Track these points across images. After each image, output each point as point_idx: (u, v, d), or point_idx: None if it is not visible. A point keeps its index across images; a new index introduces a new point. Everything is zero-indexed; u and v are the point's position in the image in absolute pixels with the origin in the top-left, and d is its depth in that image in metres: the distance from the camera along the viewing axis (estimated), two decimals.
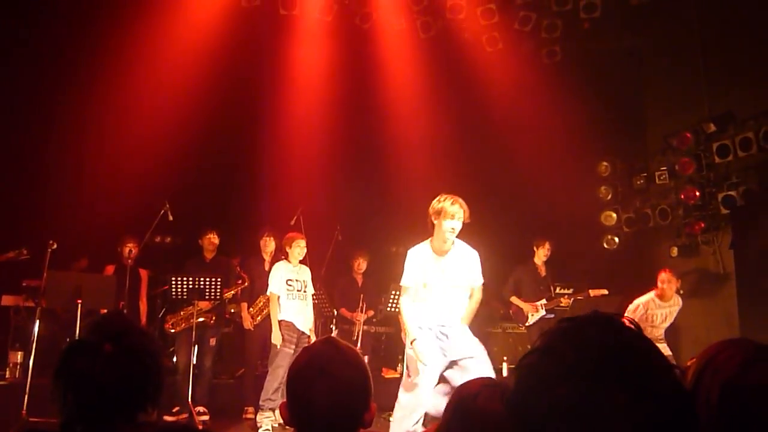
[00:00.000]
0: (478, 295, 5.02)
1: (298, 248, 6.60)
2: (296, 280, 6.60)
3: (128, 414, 1.57)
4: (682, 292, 7.18)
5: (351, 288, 8.48)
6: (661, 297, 6.97)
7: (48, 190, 8.21)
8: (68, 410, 1.56)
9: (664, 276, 6.93)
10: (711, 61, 8.41)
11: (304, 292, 6.70)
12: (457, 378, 4.59)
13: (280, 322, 6.44)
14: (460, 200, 4.75)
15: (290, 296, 6.54)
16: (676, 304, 7.05)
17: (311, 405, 1.62)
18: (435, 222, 4.74)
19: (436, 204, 4.73)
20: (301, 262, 6.77)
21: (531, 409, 0.82)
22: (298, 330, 6.50)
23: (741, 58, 7.89)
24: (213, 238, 7.19)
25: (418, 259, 4.86)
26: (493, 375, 4.61)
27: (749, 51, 7.76)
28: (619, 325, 0.87)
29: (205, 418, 6.81)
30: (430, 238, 4.89)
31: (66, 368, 1.58)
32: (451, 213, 4.66)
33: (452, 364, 4.76)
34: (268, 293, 6.59)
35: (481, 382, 1.80)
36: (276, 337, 6.38)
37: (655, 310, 7.00)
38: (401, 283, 4.94)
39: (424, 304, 4.84)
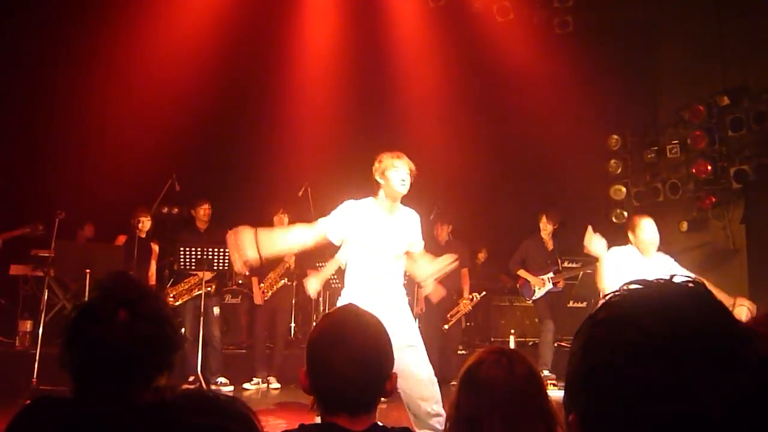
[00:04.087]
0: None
1: None
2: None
3: (145, 380, 1.54)
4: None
5: None
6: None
7: (54, 159, 8.18)
8: (82, 378, 1.53)
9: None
10: (726, 33, 8.25)
11: None
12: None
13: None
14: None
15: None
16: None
17: (331, 373, 1.59)
18: (382, 180, 4.21)
19: (377, 164, 4.24)
20: None
21: (613, 389, 0.75)
22: None
23: (757, 30, 7.74)
24: (207, 209, 7.16)
25: (359, 212, 4.26)
26: (427, 370, 4.27)
27: (765, 22, 7.60)
28: (699, 291, 0.81)
29: (229, 389, 6.84)
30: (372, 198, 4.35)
31: (79, 336, 1.54)
32: (398, 163, 4.18)
33: None
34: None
35: (486, 350, 1.79)
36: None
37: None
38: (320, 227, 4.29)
39: (362, 272, 4.28)
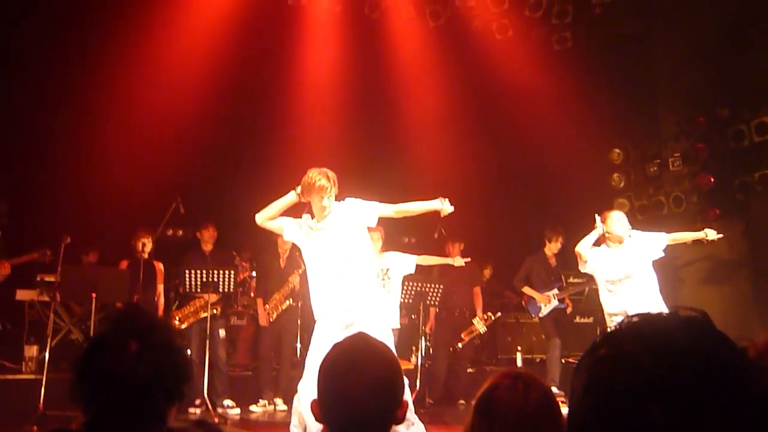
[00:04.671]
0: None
1: (372, 241, 6.44)
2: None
3: (157, 411, 1.54)
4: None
5: None
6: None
7: (58, 184, 8.22)
8: (94, 410, 1.53)
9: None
10: (725, 44, 8.29)
11: (383, 279, 6.60)
12: None
13: None
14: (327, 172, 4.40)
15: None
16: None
17: (343, 402, 1.59)
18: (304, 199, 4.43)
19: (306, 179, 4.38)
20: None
21: (616, 429, 0.75)
22: None
23: (756, 42, 7.78)
24: (212, 231, 7.18)
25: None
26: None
27: (764, 34, 7.64)
28: (705, 326, 0.80)
29: (236, 411, 6.83)
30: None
31: (91, 369, 1.54)
32: (319, 187, 4.31)
33: None
34: None
35: (501, 374, 1.79)
36: None
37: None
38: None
39: (321, 289, 4.35)
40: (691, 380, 0.73)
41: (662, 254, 5.73)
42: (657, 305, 5.40)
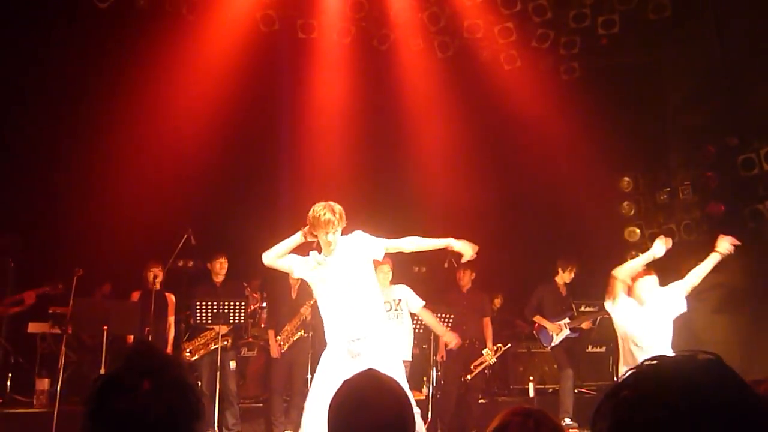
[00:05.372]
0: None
1: (382, 273, 6.49)
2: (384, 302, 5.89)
3: None
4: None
5: None
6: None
7: (70, 217, 8.29)
8: None
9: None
10: (733, 73, 8.32)
11: (395, 311, 6.63)
12: None
13: None
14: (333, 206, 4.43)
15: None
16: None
17: None
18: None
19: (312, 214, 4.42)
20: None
21: None
22: None
23: (765, 70, 7.81)
24: (223, 262, 7.20)
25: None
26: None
27: None
28: (717, 365, 0.82)
29: None
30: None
31: (103, 408, 1.54)
32: (325, 222, 4.33)
33: None
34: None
35: (512, 411, 1.78)
36: None
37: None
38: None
39: (330, 321, 4.42)
40: (713, 417, 0.75)
41: (685, 309, 5.51)
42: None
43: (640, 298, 5.44)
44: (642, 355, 5.41)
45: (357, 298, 4.36)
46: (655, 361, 0.84)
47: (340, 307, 4.37)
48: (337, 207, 4.42)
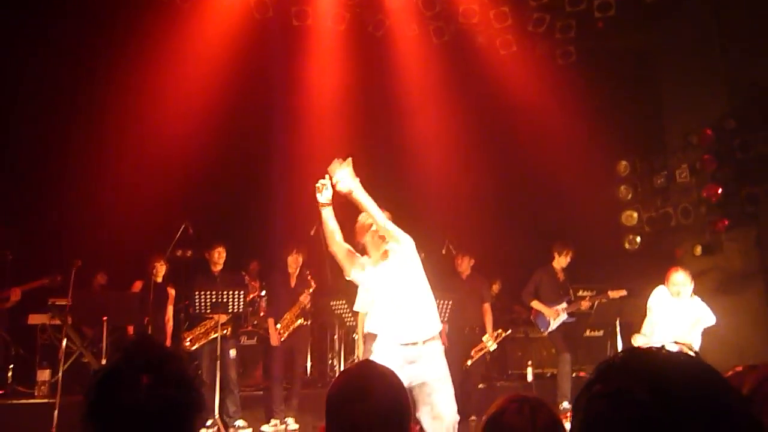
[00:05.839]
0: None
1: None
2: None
3: None
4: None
5: None
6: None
7: (68, 208, 8.28)
8: None
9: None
10: (729, 56, 8.30)
11: None
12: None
13: (366, 335, 5.73)
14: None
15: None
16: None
17: (351, 429, 1.61)
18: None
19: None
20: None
21: None
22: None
23: (760, 52, 7.79)
24: (221, 252, 7.20)
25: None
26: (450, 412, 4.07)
27: None
28: (691, 361, 0.82)
29: (248, 431, 6.84)
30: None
31: (102, 403, 1.55)
32: (363, 236, 4.36)
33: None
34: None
35: (508, 398, 1.79)
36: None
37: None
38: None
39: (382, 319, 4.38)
40: (684, 414, 0.75)
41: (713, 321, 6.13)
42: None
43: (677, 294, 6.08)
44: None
45: (407, 302, 4.25)
46: (628, 354, 0.84)
47: (391, 311, 4.28)
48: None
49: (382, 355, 4.19)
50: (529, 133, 9.25)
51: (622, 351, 0.86)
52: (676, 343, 0.87)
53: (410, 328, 4.20)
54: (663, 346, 0.83)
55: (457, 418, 4.09)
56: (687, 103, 8.87)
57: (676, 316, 6.13)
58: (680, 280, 6.01)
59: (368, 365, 1.74)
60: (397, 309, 4.24)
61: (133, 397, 1.50)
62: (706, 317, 6.10)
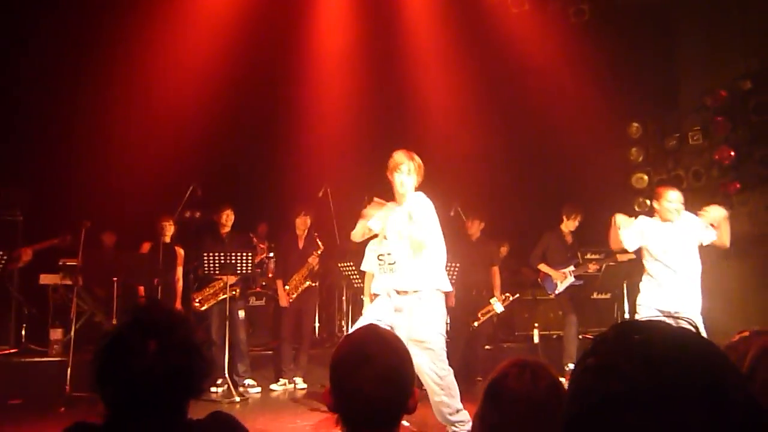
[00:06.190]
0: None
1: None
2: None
3: (176, 407, 1.58)
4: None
5: None
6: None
7: (77, 169, 8.32)
8: (114, 406, 1.56)
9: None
10: (747, 15, 8.09)
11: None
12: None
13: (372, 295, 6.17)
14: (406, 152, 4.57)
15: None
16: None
17: (355, 392, 1.62)
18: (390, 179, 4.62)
19: (389, 163, 4.58)
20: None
21: None
22: None
23: None
24: (229, 214, 7.22)
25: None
26: (434, 367, 4.25)
27: None
28: (688, 337, 0.80)
29: (257, 390, 6.96)
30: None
31: (110, 368, 1.56)
32: (396, 168, 4.50)
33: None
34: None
35: (509, 363, 1.80)
36: None
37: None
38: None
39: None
40: (673, 391, 0.73)
41: (714, 238, 5.40)
42: (696, 307, 5.26)
43: (671, 216, 5.30)
44: (659, 292, 5.37)
45: (405, 253, 4.44)
46: (622, 327, 0.82)
47: (388, 257, 4.52)
48: (417, 159, 4.53)
49: (376, 302, 4.33)
50: (539, 93, 9.11)
51: (619, 324, 0.84)
52: (677, 317, 0.85)
53: (404, 275, 4.39)
54: (661, 320, 0.81)
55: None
56: (701, 64, 8.68)
57: (675, 241, 5.33)
58: (676, 196, 5.28)
59: (371, 330, 1.74)
60: (398, 251, 4.43)
61: (140, 364, 1.51)
62: (705, 232, 5.37)
